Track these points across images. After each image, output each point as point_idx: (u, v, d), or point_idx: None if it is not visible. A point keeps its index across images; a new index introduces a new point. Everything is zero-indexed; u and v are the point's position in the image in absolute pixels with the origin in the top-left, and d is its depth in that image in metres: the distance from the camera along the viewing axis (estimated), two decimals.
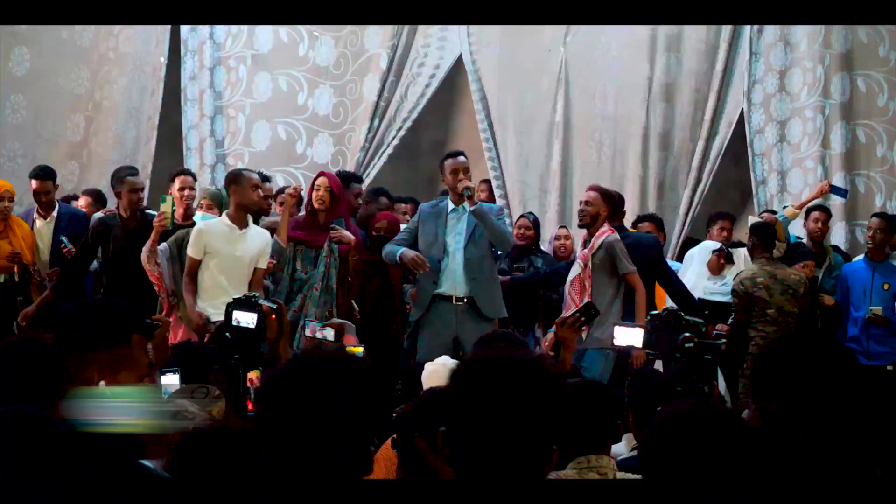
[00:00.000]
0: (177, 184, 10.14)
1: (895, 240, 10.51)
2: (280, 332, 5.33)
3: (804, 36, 12.77)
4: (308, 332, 6.57)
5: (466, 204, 9.13)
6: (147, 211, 9.79)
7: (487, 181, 12.83)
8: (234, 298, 5.50)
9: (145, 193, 11.87)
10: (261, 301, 5.43)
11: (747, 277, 9.93)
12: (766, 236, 10.13)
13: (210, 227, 8.91)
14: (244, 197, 8.87)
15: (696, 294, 10.23)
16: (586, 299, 8.91)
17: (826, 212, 11.20)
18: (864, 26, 12.59)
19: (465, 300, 9.14)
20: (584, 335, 9.10)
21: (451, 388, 3.10)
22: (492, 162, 13.01)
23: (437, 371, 6.03)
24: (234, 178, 8.99)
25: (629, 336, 6.87)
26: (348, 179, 10.15)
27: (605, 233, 9.30)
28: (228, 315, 5.50)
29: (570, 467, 4.73)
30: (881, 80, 12.67)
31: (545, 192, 13.00)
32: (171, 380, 5.90)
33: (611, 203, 9.53)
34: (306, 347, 6.17)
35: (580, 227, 9.60)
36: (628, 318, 8.94)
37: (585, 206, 9.42)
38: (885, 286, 10.14)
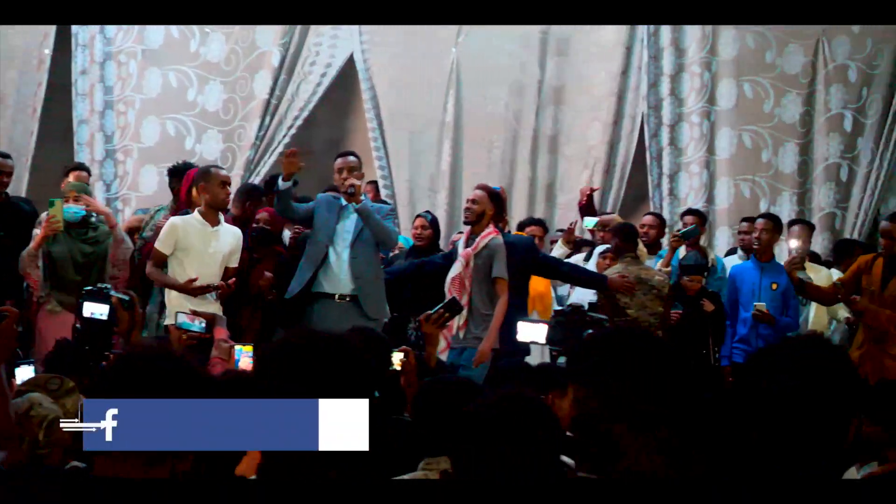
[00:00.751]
0: (70, 178, 10.06)
1: (778, 240, 10.62)
2: (133, 323, 5.29)
3: (692, 41, 12.94)
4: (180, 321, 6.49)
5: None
6: (16, 199, 9.68)
7: (374, 182, 12.81)
8: (85, 290, 5.46)
9: (23, 184, 11.81)
10: (113, 293, 5.39)
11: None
12: (628, 237, 10.23)
13: (185, 223, 8.87)
14: (214, 195, 8.87)
15: (588, 297, 10.29)
16: (465, 297, 8.98)
17: (697, 216, 11.31)
18: (752, 33, 12.79)
19: (349, 298, 9.12)
20: (461, 333, 9.15)
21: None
22: (380, 161, 13.00)
23: None
24: (203, 175, 8.96)
25: (532, 332, 6.90)
26: None
27: (491, 234, 9.31)
28: (80, 306, 5.47)
29: (421, 468, 4.72)
30: (767, 86, 12.87)
31: (435, 192, 13.03)
32: (26, 372, 5.85)
33: (497, 203, 9.56)
34: (176, 339, 6.13)
35: (465, 223, 9.62)
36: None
37: (472, 203, 9.43)
38: (774, 286, 10.17)
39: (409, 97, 13.22)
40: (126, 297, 5.34)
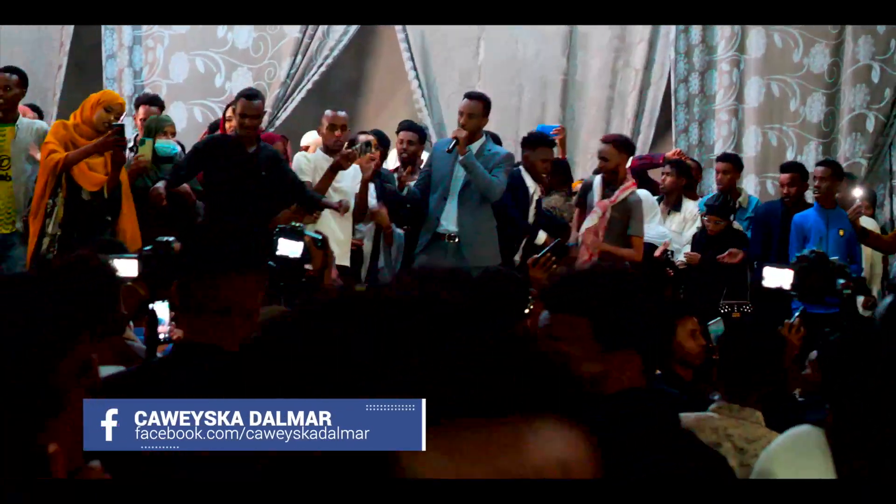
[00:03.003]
0: (140, 112, 10.02)
1: (838, 186, 10.52)
2: (325, 262, 5.29)
3: None
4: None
5: (473, 146, 9.17)
6: None
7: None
8: (279, 227, 5.45)
9: (51, 121, 11.70)
10: (306, 232, 5.39)
11: None
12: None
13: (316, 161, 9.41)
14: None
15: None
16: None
17: (729, 161, 11.33)
18: None
19: (457, 239, 9.23)
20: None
21: None
22: (418, 103, 12.97)
23: None
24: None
25: (779, 277, 6.86)
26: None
27: (630, 187, 9.37)
28: (274, 244, 5.46)
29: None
30: (797, 35, 12.93)
31: None
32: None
33: (628, 149, 9.67)
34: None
35: (604, 181, 9.59)
36: None
37: (603, 161, 9.50)
38: (841, 232, 10.07)
39: (440, 39, 13.18)
40: (318, 237, 5.35)
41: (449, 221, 9.23)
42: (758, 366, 4.62)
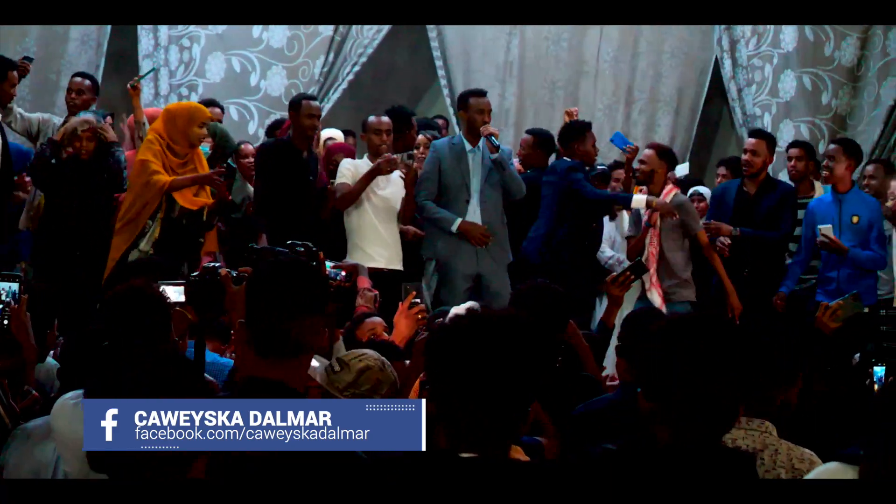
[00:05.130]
0: None
1: (853, 168, 9.81)
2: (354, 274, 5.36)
3: None
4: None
5: (482, 144, 9.20)
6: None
7: (443, 117, 12.80)
8: (290, 242, 5.45)
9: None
10: (298, 247, 5.38)
11: None
12: None
13: (359, 167, 9.27)
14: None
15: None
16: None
17: (802, 147, 10.82)
18: None
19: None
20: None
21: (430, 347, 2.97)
22: (449, 99, 13.07)
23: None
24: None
25: None
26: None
27: (673, 190, 9.44)
28: None
29: None
30: (828, 30, 12.91)
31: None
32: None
33: (669, 159, 9.56)
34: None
35: (637, 184, 9.68)
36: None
37: (641, 164, 9.48)
38: (855, 219, 9.51)
39: (474, 39, 13.27)
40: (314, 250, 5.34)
41: (476, 221, 9.21)
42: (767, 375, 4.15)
